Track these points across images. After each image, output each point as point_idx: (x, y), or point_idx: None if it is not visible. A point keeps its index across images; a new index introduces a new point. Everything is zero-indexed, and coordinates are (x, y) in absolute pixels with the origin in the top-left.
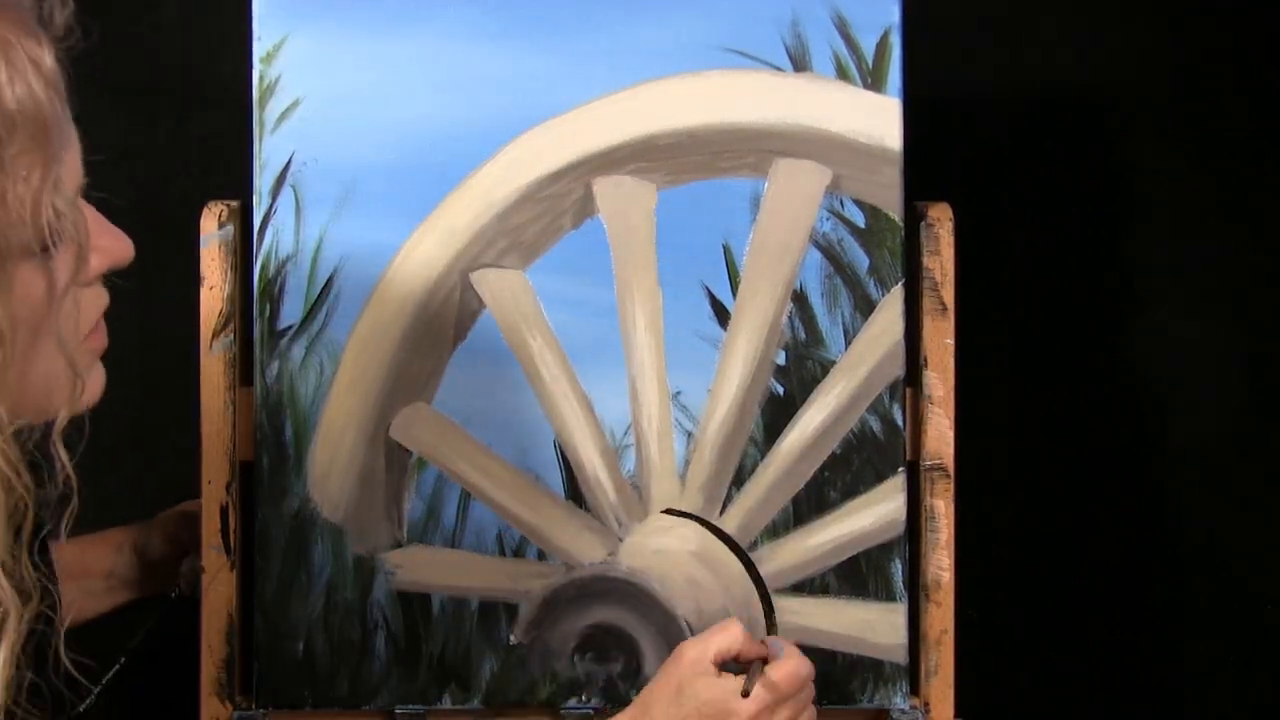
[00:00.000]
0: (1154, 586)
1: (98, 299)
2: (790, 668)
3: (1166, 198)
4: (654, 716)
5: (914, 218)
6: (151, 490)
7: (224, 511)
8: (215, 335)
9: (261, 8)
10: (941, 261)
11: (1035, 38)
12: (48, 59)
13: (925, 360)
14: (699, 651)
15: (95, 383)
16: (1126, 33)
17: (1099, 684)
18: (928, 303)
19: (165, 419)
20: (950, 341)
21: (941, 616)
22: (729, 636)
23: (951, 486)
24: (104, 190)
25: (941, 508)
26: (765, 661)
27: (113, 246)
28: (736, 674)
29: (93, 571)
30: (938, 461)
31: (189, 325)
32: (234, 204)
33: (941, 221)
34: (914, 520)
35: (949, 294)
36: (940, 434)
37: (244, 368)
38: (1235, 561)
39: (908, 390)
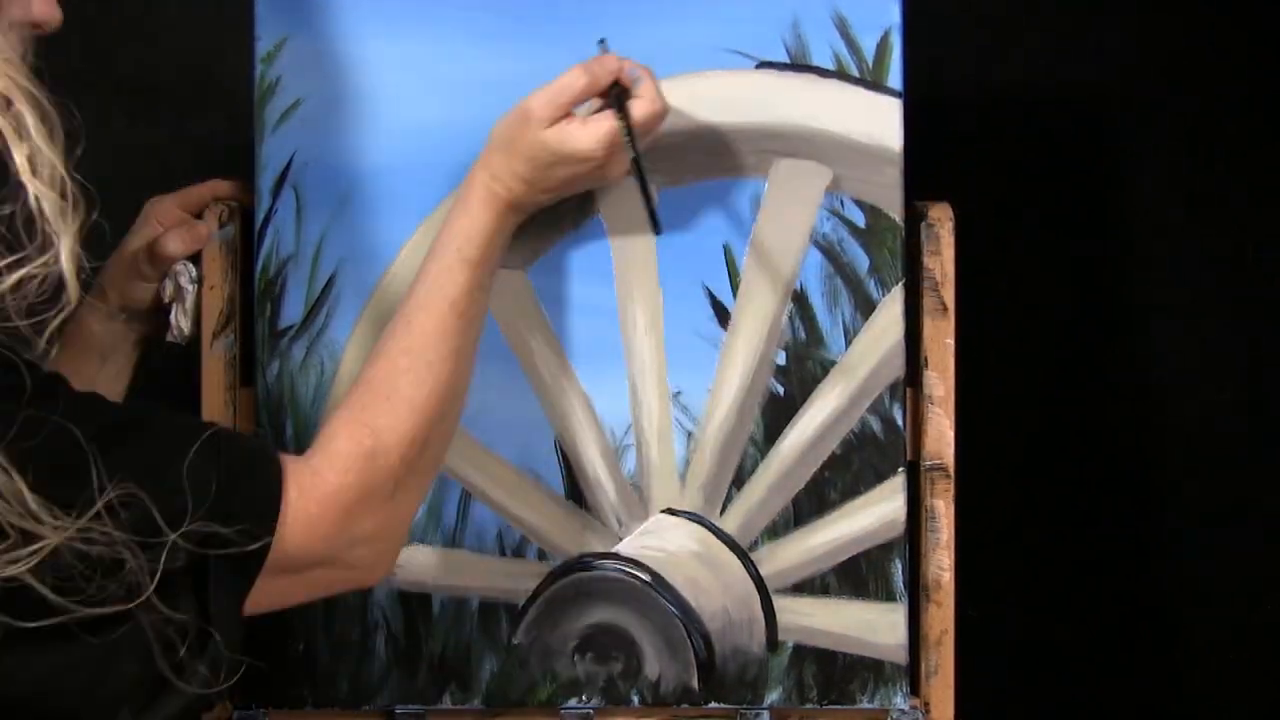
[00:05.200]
0: (1154, 586)
1: None
2: (649, 108)
3: (1167, 197)
4: (517, 172)
5: (914, 218)
6: None
7: None
8: (215, 335)
9: (262, 8)
10: (942, 261)
11: (1036, 37)
12: None
13: (925, 360)
14: (539, 106)
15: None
16: (1127, 32)
17: (1099, 684)
18: (928, 303)
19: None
20: (950, 341)
21: (941, 616)
22: (571, 81)
23: (951, 486)
24: (105, 190)
25: (941, 508)
26: (624, 97)
27: None
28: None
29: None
30: (938, 461)
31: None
32: (234, 204)
33: (942, 221)
34: (914, 520)
35: (949, 294)
36: (940, 434)
37: (244, 368)
38: (1235, 560)
39: (908, 390)
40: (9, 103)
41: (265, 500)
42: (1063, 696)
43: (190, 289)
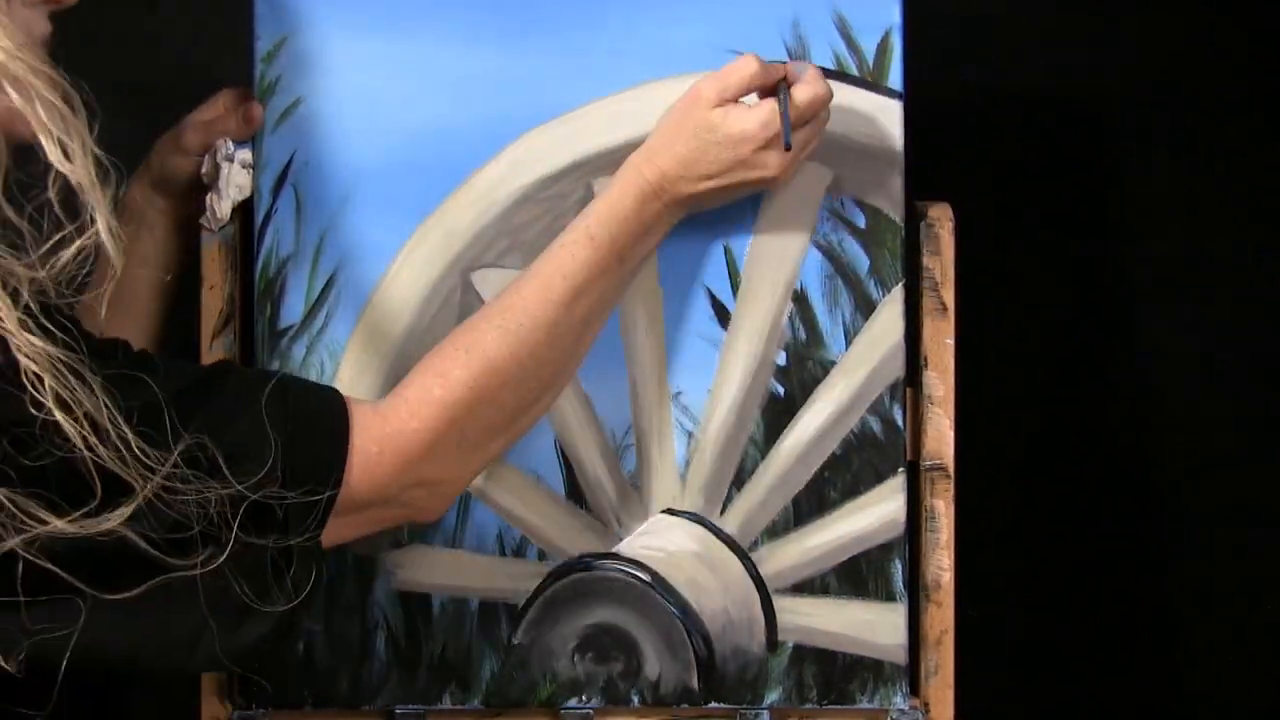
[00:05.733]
0: (1154, 586)
1: None
2: (811, 91)
3: (1167, 197)
4: (676, 152)
5: (914, 218)
6: None
7: None
8: (215, 335)
9: (262, 8)
10: (941, 261)
11: (1036, 37)
12: None
13: (925, 360)
14: (710, 88)
15: None
16: (1127, 32)
17: (1099, 684)
18: (928, 303)
19: None
20: (950, 341)
21: (941, 616)
22: (743, 66)
23: (951, 486)
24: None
25: (941, 508)
26: (788, 86)
27: None
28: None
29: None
30: (938, 461)
31: (189, 325)
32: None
33: (941, 221)
34: (914, 520)
35: (949, 294)
36: (940, 434)
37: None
38: (1236, 560)
39: (908, 390)
40: (32, 89)
41: (331, 451)
42: (1063, 696)
43: (226, 168)
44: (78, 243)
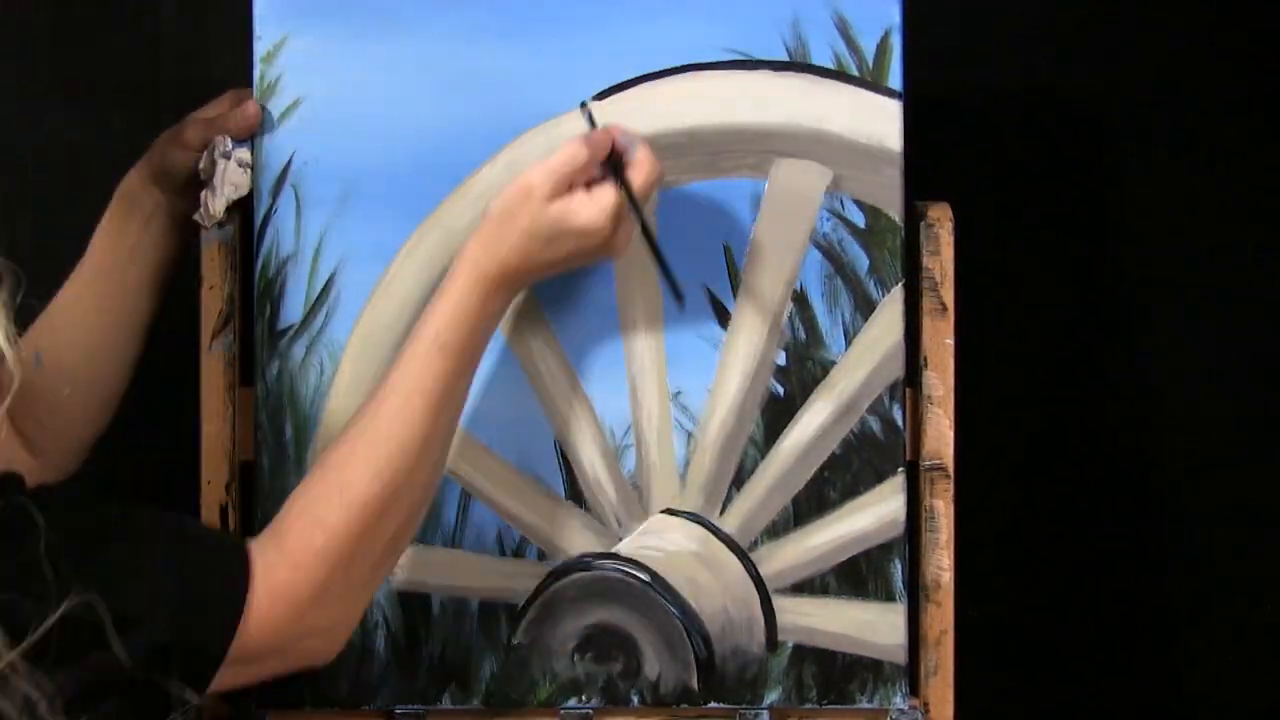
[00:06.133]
0: (1154, 585)
1: None
2: (644, 174)
3: (1167, 197)
4: (515, 246)
5: (914, 218)
6: (152, 490)
7: (224, 511)
8: (215, 335)
9: (261, 8)
10: (941, 261)
11: (1036, 37)
12: None
13: (925, 360)
14: (541, 181)
15: None
16: (1128, 32)
17: (1099, 684)
18: (928, 303)
19: (165, 419)
20: (950, 341)
21: (941, 617)
22: (572, 156)
23: (951, 486)
24: (104, 191)
25: (941, 508)
26: (621, 167)
27: None
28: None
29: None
30: (938, 461)
31: (189, 325)
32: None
33: (941, 221)
34: (914, 520)
35: (949, 294)
36: (940, 434)
37: (244, 367)
38: (1236, 560)
39: (908, 390)
40: None
41: (227, 612)
42: (1063, 696)
43: (223, 164)
44: None
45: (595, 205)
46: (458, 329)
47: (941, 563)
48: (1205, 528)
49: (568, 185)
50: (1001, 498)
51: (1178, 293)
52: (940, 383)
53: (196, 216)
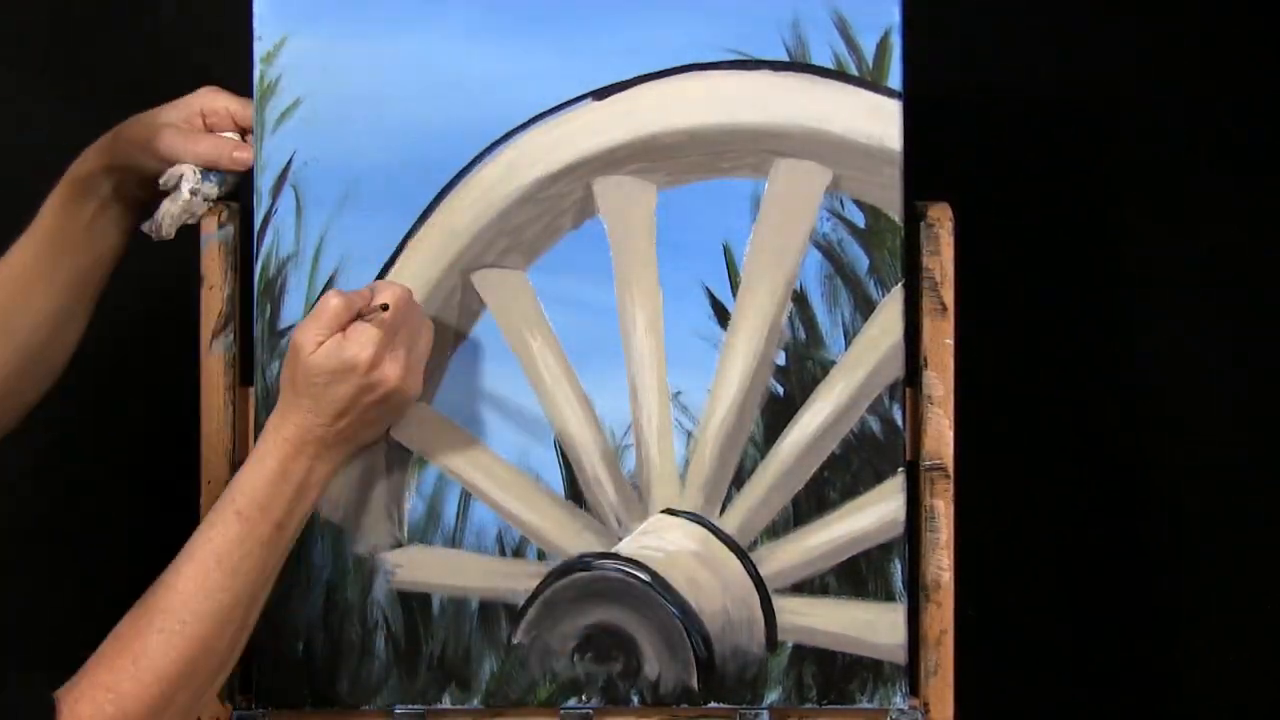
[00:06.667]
0: (1154, 585)
1: None
2: (390, 292)
3: (1167, 197)
4: (301, 404)
5: (914, 218)
6: (153, 489)
7: None
8: (215, 335)
9: (262, 8)
10: (941, 261)
11: (1036, 37)
12: None
13: (925, 360)
14: (304, 336)
15: None
16: (1126, 31)
17: (1099, 684)
18: (928, 303)
19: (165, 419)
20: (950, 341)
21: (941, 616)
22: (324, 310)
23: (951, 486)
24: None
25: (941, 508)
26: (385, 308)
27: None
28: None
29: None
30: (938, 462)
31: (189, 325)
32: (234, 205)
33: (941, 221)
34: (914, 520)
35: (949, 294)
36: (940, 434)
37: (244, 367)
38: (1236, 560)
39: (907, 390)
40: None
41: None
42: (1063, 696)
43: (187, 197)
44: None
45: (346, 340)
46: (256, 496)
47: (941, 562)
48: (1205, 528)
49: (330, 334)
50: (1001, 498)
51: (1178, 293)
52: (940, 383)
53: (145, 227)
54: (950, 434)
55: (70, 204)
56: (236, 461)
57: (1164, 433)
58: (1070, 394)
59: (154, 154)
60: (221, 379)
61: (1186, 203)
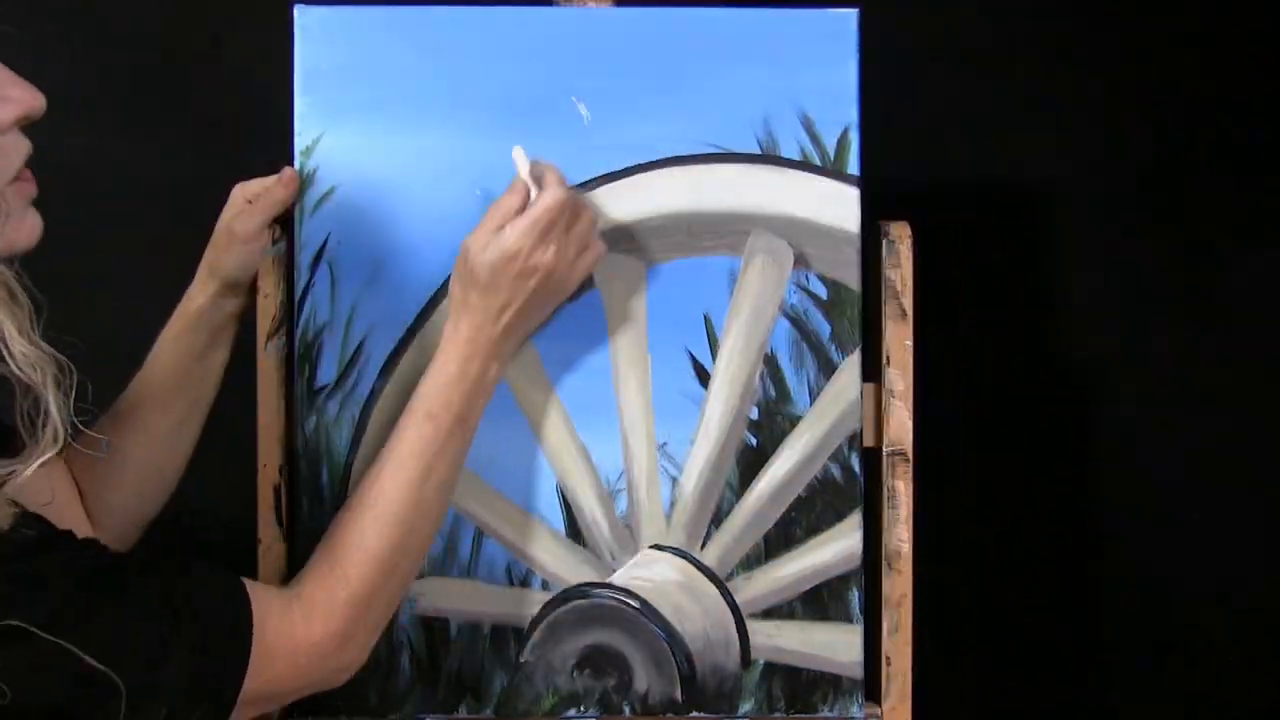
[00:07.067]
0: (1154, 585)
1: (18, 146)
2: (544, 199)
3: (1098, 222)
4: (470, 304)
5: (878, 234)
6: (215, 472)
7: (277, 491)
8: (269, 337)
9: (302, 108)
10: (902, 273)
11: (984, 131)
12: None
13: (887, 359)
14: (473, 239)
15: (31, 225)
16: (1067, 126)
17: (1099, 684)
18: (889, 309)
19: (226, 411)
20: (909, 343)
21: (901, 582)
22: (490, 215)
23: (910, 469)
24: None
25: (901, 488)
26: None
27: (22, 96)
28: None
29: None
30: (898, 447)
31: (247, 327)
32: (286, 225)
33: (902, 238)
34: (876, 500)
35: (908, 301)
36: (900, 423)
37: (288, 367)
38: (1235, 561)
39: (872, 385)
40: None
41: (234, 664)
42: (1063, 696)
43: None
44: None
45: (502, 234)
46: (441, 397)
47: (901, 535)
48: (1204, 528)
49: (494, 233)
50: (955, 478)
51: (1109, 302)
52: (900, 378)
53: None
54: (910, 423)
55: (185, 334)
56: (287, 447)
57: (1163, 433)
58: (1015, 388)
59: (243, 239)
60: (275, 374)
61: (1116, 211)
